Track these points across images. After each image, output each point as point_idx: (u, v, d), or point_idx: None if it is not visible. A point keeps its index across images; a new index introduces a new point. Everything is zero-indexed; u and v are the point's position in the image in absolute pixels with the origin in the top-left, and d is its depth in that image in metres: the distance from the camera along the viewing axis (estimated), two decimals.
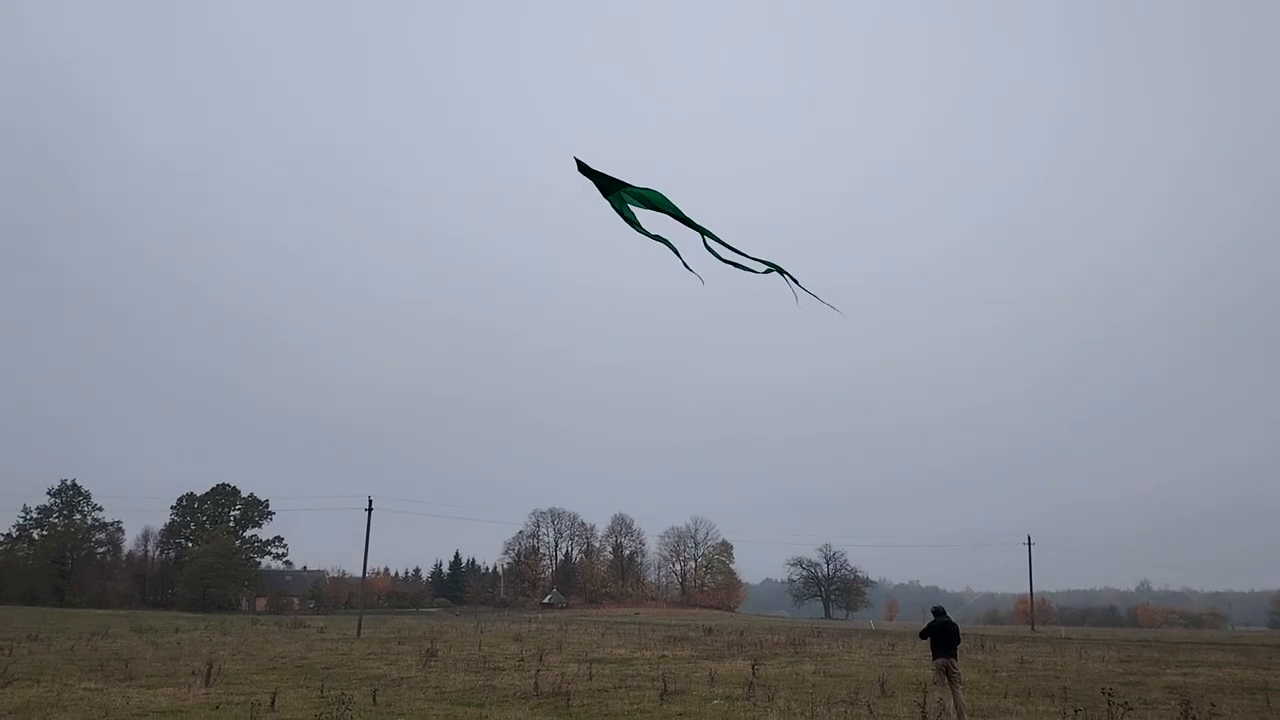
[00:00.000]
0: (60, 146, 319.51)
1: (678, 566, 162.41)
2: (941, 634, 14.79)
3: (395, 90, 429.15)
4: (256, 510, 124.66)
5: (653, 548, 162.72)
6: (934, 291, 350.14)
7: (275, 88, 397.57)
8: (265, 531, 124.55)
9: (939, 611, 15.29)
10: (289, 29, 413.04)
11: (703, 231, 4.24)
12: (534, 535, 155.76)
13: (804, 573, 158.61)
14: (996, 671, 26.11)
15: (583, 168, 3.89)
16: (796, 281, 4.53)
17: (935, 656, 14.91)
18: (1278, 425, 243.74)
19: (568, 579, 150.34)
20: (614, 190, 3.99)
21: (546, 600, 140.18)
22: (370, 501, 55.08)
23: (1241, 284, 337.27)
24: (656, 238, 4.37)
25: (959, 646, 15.07)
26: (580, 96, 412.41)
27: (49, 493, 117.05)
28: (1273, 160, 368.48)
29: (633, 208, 4.15)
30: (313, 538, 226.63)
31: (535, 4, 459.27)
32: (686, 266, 4.46)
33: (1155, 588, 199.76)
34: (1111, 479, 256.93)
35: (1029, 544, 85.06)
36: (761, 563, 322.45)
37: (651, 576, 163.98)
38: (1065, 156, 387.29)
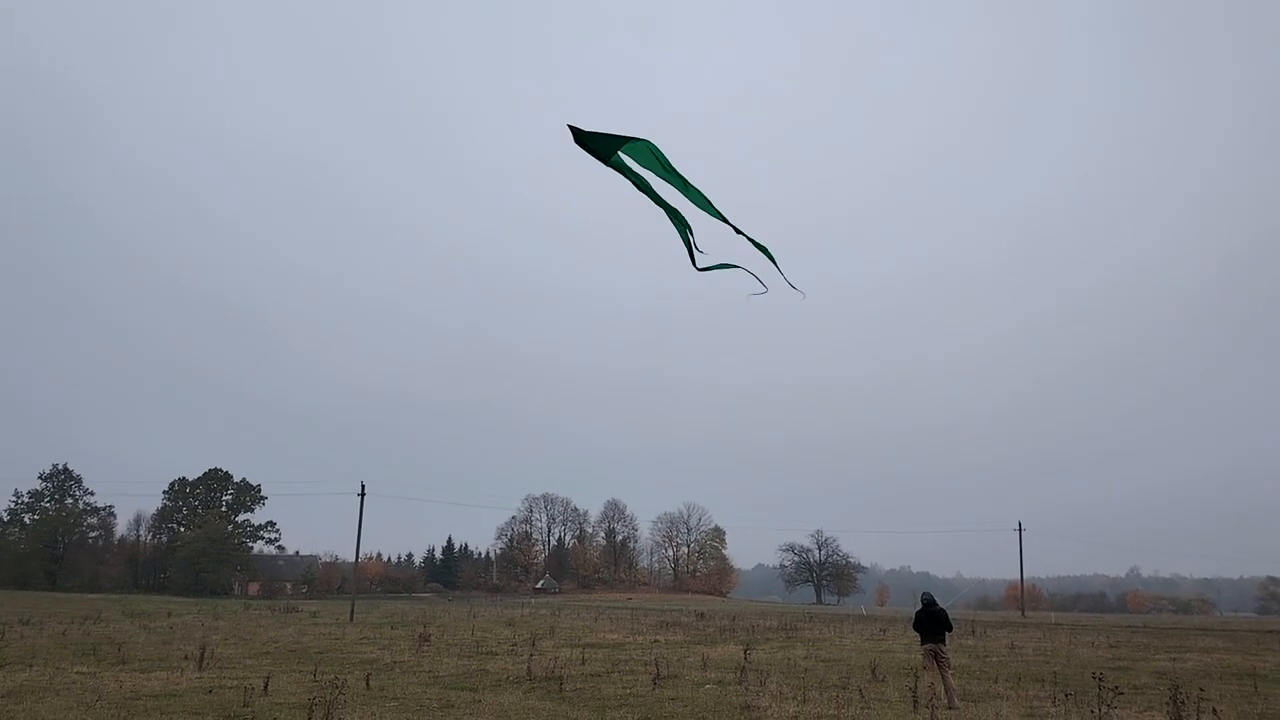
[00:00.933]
0: (55, 146, 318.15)
1: (670, 552, 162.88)
2: (929, 621, 15.41)
3: (392, 93, 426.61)
4: (249, 495, 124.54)
5: (645, 533, 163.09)
6: (936, 299, 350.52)
7: (270, 86, 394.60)
8: (258, 516, 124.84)
9: (927, 600, 15.94)
10: (285, 29, 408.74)
11: (701, 200, 4.00)
12: (527, 521, 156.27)
13: (796, 558, 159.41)
14: (987, 656, 26.30)
15: (578, 137, 3.68)
16: (778, 266, 4.23)
17: (923, 642, 15.55)
18: (1269, 421, 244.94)
19: (560, 564, 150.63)
20: (615, 150, 3.80)
21: (539, 586, 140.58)
22: (363, 487, 54.98)
23: (1253, 289, 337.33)
24: (670, 211, 4.11)
25: (950, 633, 15.64)
26: (579, 94, 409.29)
27: (40, 477, 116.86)
28: None
29: (638, 169, 3.94)
30: (305, 523, 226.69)
31: (529, 12, 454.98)
32: (683, 235, 4.17)
33: (1145, 574, 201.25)
34: (1106, 471, 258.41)
35: (1019, 530, 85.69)
36: (754, 548, 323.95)
37: (644, 562, 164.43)
38: (1066, 171, 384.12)
